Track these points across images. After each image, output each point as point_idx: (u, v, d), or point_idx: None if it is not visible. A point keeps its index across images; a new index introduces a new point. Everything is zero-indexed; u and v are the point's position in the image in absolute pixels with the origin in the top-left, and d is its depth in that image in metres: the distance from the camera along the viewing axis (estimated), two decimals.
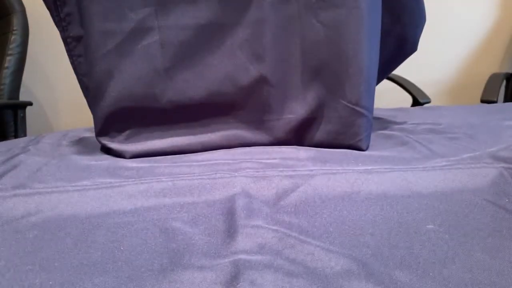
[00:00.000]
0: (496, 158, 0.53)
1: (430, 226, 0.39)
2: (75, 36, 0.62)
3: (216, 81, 0.62)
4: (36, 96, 1.62)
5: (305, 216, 0.42)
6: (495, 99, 1.34)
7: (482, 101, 1.35)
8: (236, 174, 0.50)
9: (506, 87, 1.60)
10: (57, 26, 0.62)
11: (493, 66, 1.71)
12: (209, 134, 0.64)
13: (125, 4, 0.58)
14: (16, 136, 1.33)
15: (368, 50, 0.59)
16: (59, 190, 0.47)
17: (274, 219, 0.41)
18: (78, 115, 1.62)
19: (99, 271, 0.34)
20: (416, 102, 1.30)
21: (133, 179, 0.49)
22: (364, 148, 0.61)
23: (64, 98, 1.64)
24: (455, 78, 1.72)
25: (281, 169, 0.51)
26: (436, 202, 0.44)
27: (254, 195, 0.45)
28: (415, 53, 0.78)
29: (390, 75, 1.30)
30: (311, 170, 0.50)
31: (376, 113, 0.87)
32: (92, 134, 0.72)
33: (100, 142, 0.64)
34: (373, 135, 0.66)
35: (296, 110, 0.64)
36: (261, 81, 0.62)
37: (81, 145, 0.69)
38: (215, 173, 0.50)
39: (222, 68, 0.61)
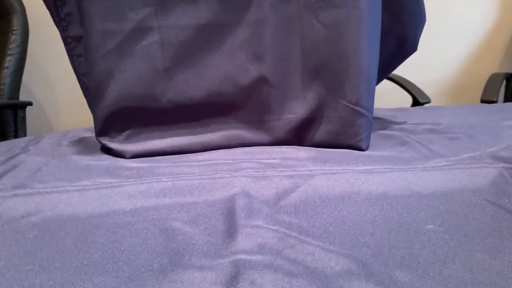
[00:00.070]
0: (496, 158, 0.53)
1: (430, 226, 0.39)
2: (75, 36, 0.62)
3: (216, 81, 0.62)
4: (36, 96, 1.62)
5: (305, 216, 0.42)
6: (495, 99, 1.34)
7: (482, 101, 1.35)
8: (236, 174, 0.50)
9: (506, 87, 1.60)
10: (57, 26, 0.62)
11: (493, 66, 1.71)
12: (209, 134, 0.64)
13: (125, 4, 0.58)
14: (16, 136, 1.33)
15: (368, 50, 0.59)
16: (59, 190, 0.47)
17: (274, 219, 0.41)
18: (78, 115, 1.62)
19: (99, 271, 0.34)
20: (416, 102, 1.30)
21: (133, 179, 0.49)
22: (364, 148, 0.61)
23: (64, 98, 1.64)
24: (455, 78, 1.72)
25: (281, 169, 0.51)
26: (436, 202, 0.44)
27: (254, 195, 0.45)
28: (415, 53, 0.78)
29: (390, 75, 1.30)
30: (311, 170, 0.50)
31: (376, 113, 0.87)
32: (92, 134, 0.72)
33: (100, 142, 0.64)
34: (373, 135, 0.66)
35: (296, 110, 0.64)
36: (261, 81, 0.62)
37: (81, 145, 0.69)
38: (215, 173, 0.50)
39: (222, 68, 0.61)
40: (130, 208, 0.44)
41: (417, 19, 0.74)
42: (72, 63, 0.64)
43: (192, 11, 0.59)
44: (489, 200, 0.44)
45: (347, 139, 0.62)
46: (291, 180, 0.48)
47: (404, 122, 0.81)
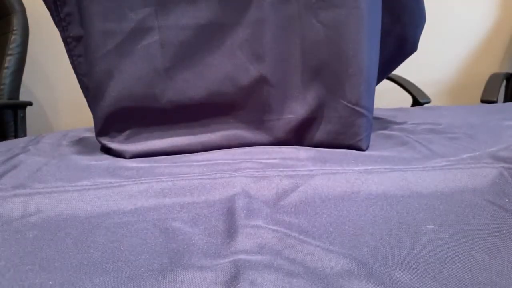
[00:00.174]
0: (496, 158, 0.53)
1: (430, 226, 0.39)
2: (75, 36, 0.62)
3: (216, 81, 0.62)
4: (36, 96, 1.62)
5: (305, 216, 0.42)
6: (495, 99, 1.34)
7: (482, 101, 1.35)
8: (236, 174, 0.50)
9: (506, 87, 1.60)
10: (57, 26, 0.62)
11: (493, 66, 1.71)
12: (209, 134, 0.64)
13: (125, 4, 0.58)
14: (16, 136, 1.33)
15: (368, 50, 0.59)
16: (59, 190, 0.47)
17: (274, 219, 0.41)
18: (78, 115, 1.62)
19: (99, 271, 0.34)
20: (416, 102, 1.30)
21: (133, 179, 0.49)
22: (364, 148, 0.61)
23: (64, 98, 1.64)
24: (455, 78, 1.72)
25: (281, 169, 0.51)
26: (436, 202, 0.44)
27: (254, 195, 0.45)
28: (415, 53, 0.78)
29: (390, 75, 1.30)
30: (311, 170, 0.50)
31: (376, 113, 0.87)
32: (92, 134, 0.72)
33: (100, 142, 0.64)
34: (373, 135, 0.66)
35: (296, 110, 0.64)
36: (261, 81, 0.62)
37: (81, 145, 0.69)
38: (215, 173, 0.50)
39: (222, 68, 0.61)
40: (130, 208, 0.44)
41: (417, 19, 0.74)
42: (72, 63, 0.64)
43: (192, 11, 0.59)
44: (489, 200, 0.44)
45: (347, 139, 0.62)
46: (291, 180, 0.48)
47: (404, 122, 0.81)
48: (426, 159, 0.55)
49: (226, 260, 0.34)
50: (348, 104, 0.60)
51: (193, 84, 0.61)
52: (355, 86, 0.59)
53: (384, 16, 0.65)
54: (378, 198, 0.45)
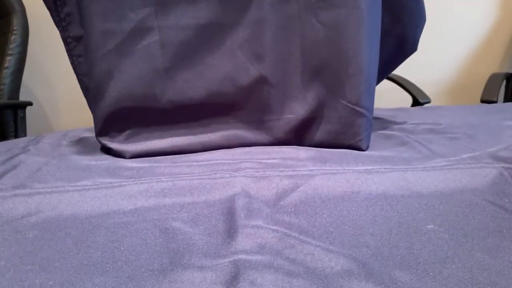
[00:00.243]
0: (496, 158, 0.53)
1: (430, 226, 0.39)
2: (75, 36, 0.62)
3: (216, 81, 0.62)
4: (36, 96, 1.62)
5: (305, 216, 0.42)
6: (495, 99, 1.34)
7: (482, 101, 1.35)
8: (236, 174, 0.50)
9: (506, 87, 1.60)
10: (57, 26, 0.62)
11: (493, 66, 1.71)
12: (209, 134, 0.64)
13: (125, 4, 0.58)
14: (16, 136, 1.33)
15: (368, 50, 0.59)
16: (59, 190, 0.47)
17: (274, 219, 0.41)
18: (78, 115, 1.62)
19: (99, 271, 0.34)
20: (416, 102, 1.30)
21: (133, 179, 0.49)
22: (364, 148, 0.61)
23: (64, 98, 1.64)
24: (455, 78, 1.72)
25: (281, 169, 0.51)
26: (436, 202, 0.44)
27: (254, 195, 0.45)
28: (415, 53, 0.78)
29: (390, 75, 1.30)
30: (311, 170, 0.50)
31: (376, 113, 0.87)
32: (92, 134, 0.72)
33: (100, 142, 0.64)
34: (373, 135, 0.66)
35: (296, 110, 0.64)
36: (261, 81, 0.62)
37: (81, 145, 0.69)
38: (215, 173, 0.50)
39: (222, 68, 0.61)
40: (130, 208, 0.44)
41: (417, 19, 0.74)
42: (72, 63, 0.64)
43: (192, 11, 0.59)
44: (489, 200, 0.44)
45: (347, 139, 0.62)
46: (291, 180, 0.48)
47: (404, 122, 0.81)
48: (426, 159, 0.55)
49: (226, 260, 0.34)
50: (348, 104, 0.60)
51: (193, 84, 0.61)
52: (355, 86, 0.59)
53: (384, 16, 0.65)
54: (378, 198, 0.45)
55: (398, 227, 0.39)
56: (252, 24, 0.60)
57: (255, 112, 0.64)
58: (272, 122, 0.65)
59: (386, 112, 0.93)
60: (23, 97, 1.43)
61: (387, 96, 1.44)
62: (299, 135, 0.65)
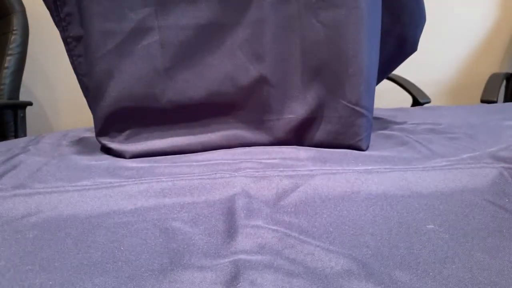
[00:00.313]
0: (496, 158, 0.53)
1: (430, 226, 0.39)
2: (75, 36, 0.62)
3: (216, 81, 0.62)
4: (36, 96, 1.62)
5: (305, 216, 0.42)
6: (495, 99, 1.34)
7: (482, 101, 1.35)
8: (236, 174, 0.50)
9: (506, 87, 1.60)
10: (57, 26, 0.62)
11: (493, 66, 1.71)
12: (209, 134, 0.64)
13: (125, 4, 0.58)
14: (16, 136, 1.33)
15: (368, 50, 0.59)
16: (59, 190, 0.47)
17: (274, 219, 0.41)
18: (78, 115, 1.62)
19: (99, 271, 0.34)
20: (416, 102, 1.30)
21: (133, 179, 0.49)
22: (364, 148, 0.61)
23: (64, 98, 1.64)
24: (455, 78, 1.72)
25: (281, 169, 0.51)
26: (436, 202, 0.44)
27: (254, 195, 0.45)
28: (415, 53, 0.78)
29: (390, 75, 1.30)
30: (311, 170, 0.50)
31: (376, 113, 0.87)
32: (92, 134, 0.72)
33: (100, 142, 0.64)
34: (373, 135, 0.66)
35: (296, 110, 0.64)
36: (261, 81, 0.62)
37: (81, 145, 0.69)
38: (215, 173, 0.50)
39: (222, 68, 0.61)
40: (130, 208, 0.44)
41: (417, 19, 0.74)
42: (72, 63, 0.64)
43: (192, 11, 0.59)
44: (489, 200, 0.44)
45: (347, 139, 0.62)
46: (291, 180, 0.48)
47: (404, 122, 0.81)
48: (426, 159, 0.55)
49: (226, 260, 0.34)
50: (348, 104, 0.60)
51: (193, 84, 0.61)
52: (355, 86, 0.59)
53: (384, 16, 0.65)
54: (378, 198, 0.45)
55: (398, 227, 0.39)
56: (252, 24, 0.60)
57: (255, 112, 0.64)
58: (272, 122, 0.65)
59: (386, 112, 0.93)
60: (23, 97, 1.43)
61: (387, 96, 1.44)
62: (299, 135, 0.65)
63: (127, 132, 0.63)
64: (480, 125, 0.75)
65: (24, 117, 1.36)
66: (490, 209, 0.42)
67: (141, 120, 0.63)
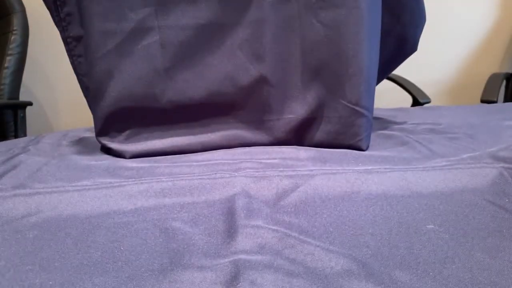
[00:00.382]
0: (496, 158, 0.53)
1: (430, 226, 0.39)
2: (75, 36, 0.62)
3: (216, 81, 0.62)
4: (36, 96, 1.62)
5: (305, 216, 0.42)
6: (495, 99, 1.34)
7: (482, 101, 1.35)
8: (236, 174, 0.50)
9: (506, 87, 1.60)
10: (57, 26, 0.62)
11: (493, 66, 1.71)
12: (209, 134, 0.64)
13: (125, 4, 0.58)
14: (16, 136, 1.33)
15: (368, 50, 0.59)
16: (59, 190, 0.47)
17: (274, 219, 0.41)
18: (78, 115, 1.62)
19: (99, 271, 0.34)
20: (416, 102, 1.30)
21: (133, 179, 0.49)
22: (364, 148, 0.61)
23: (64, 98, 1.64)
24: (455, 78, 1.72)
25: (281, 169, 0.51)
26: (436, 202, 0.44)
27: (254, 195, 0.45)
28: (415, 53, 0.78)
29: (390, 75, 1.30)
30: (311, 170, 0.50)
31: (376, 113, 0.87)
32: (92, 134, 0.72)
33: (100, 142, 0.64)
34: (373, 135, 0.66)
35: (296, 110, 0.64)
36: (261, 81, 0.62)
37: (81, 145, 0.69)
38: (215, 173, 0.50)
39: (222, 68, 0.61)
40: (130, 208, 0.44)
41: (417, 19, 0.74)
42: (72, 63, 0.64)
43: (192, 11, 0.59)
44: (489, 200, 0.44)
45: (347, 139, 0.62)
46: (291, 180, 0.48)
47: (404, 122, 0.81)
48: (426, 159, 0.55)
49: (226, 260, 0.34)
50: (348, 104, 0.60)
51: (193, 84, 0.61)
52: (355, 86, 0.59)
53: (384, 16, 0.65)
54: (378, 198, 0.45)
55: (398, 227, 0.39)
56: (252, 24, 0.60)
57: (255, 112, 0.64)
58: (272, 122, 0.65)
59: (386, 112, 0.93)
60: (23, 97, 1.43)
61: (387, 96, 1.44)
62: (299, 135, 0.65)
63: (127, 132, 0.63)
64: (480, 125, 0.75)
65: (24, 117, 1.36)
66: (490, 209, 0.42)
67: (141, 120, 0.63)
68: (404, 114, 0.91)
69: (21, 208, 0.43)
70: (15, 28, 1.30)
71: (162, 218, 0.42)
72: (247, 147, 0.64)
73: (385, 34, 0.67)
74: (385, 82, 1.12)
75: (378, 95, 0.71)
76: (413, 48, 0.77)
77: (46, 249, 0.37)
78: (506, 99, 1.61)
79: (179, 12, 0.59)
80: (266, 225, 0.39)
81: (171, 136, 0.64)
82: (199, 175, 0.50)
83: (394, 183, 0.47)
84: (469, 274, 0.32)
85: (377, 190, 0.46)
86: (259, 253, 0.35)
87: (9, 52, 1.30)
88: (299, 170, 0.51)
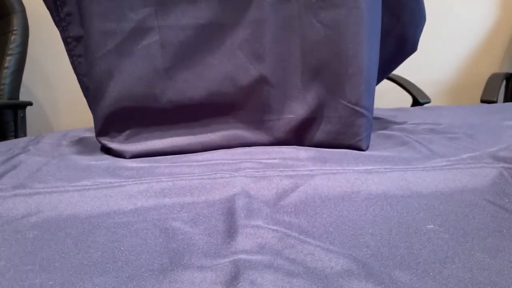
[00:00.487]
0: (496, 158, 0.53)
1: (430, 226, 0.39)
2: (75, 36, 0.62)
3: (216, 81, 0.62)
4: (36, 96, 1.62)
5: (305, 216, 0.42)
6: (495, 99, 1.34)
7: (482, 101, 1.35)
8: (236, 174, 0.50)
9: (506, 87, 1.60)
10: (57, 26, 0.62)
11: (493, 66, 1.71)
12: (209, 134, 0.64)
13: (125, 4, 0.58)
14: (16, 136, 1.33)
15: (368, 50, 0.59)
16: (59, 190, 0.47)
17: (274, 219, 0.41)
18: (78, 115, 1.62)
19: (99, 271, 0.34)
20: (416, 102, 1.30)
21: (133, 179, 0.49)
22: (364, 148, 0.61)
23: (64, 98, 1.64)
24: (455, 78, 1.72)
25: (281, 169, 0.51)
26: (436, 202, 0.44)
27: (254, 195, 0.45)
28: (415, 53, 0.78)
29: (390, 75, 1.30)
30: (311, 170, 0.50)
31: (376, 113, 0.87)
32: (92, 134, 0.72)
33: (100, 142, 0.64)
34: (373, 135, 0.66)
35: (296, 110, 0.64)
36: (261, 81, 0.62)
37: (81, 145, 0.69)
38: (215, 173, 0.50)
39: (222, 68, 0.61)
40: (130, 208, 0.44)
41: (417, 19, 0.74)
42: (72, 63, 0.64)
43: (192, 11, 0.59)
44: (489, 200, 0.44)
45: (347, 139, 0.62)
46: (291, 180, 0.48)
47: (404, 122, 0.81)
48: (426, 159, 0.55)
49: (226, 260, 0.34)
50: (348, 104, 0.60)
51: (193, 84, 0.61)
52: (355, 86, 0.59)
53: (384, 16, 0.65)
54: (378, 198, 0.45)
55: (398, 227, 0.39)
56: (252, 24, 0.60)
57: (255, 112, 0.64)
58: (272, 122, 0.65)
59: (386, 112, 0.93)
60: (23, 97, 1.43)
61: (387, 96, 1.44)
62: (299, 135, 0.65)
63: (127, 132, 0.63)
64: (480, 125, 0.75)
65: (24, 117, 1.36)
66: (490, 209, 0.42)
67: (141, 120, 0.63)
68: (404, 114, 0.91)
69: (21, 208, 0.43)
70: (15, 28, 1.30)
71: (162, 218, 0.42)
72: (247, 147, 0.64)
73: (385, 34, 0.67)
74: (385, 82, 1.12)
75: (378, 95, 0.71)
76: (413, 48, 0.77)
77: (46, 249, 0.37)
78: (506, 99, 1.61)
79: (179, 12, 0.59)
80: (266, 225, 0.39)
81: (171, 136, 0.64)
82: (199, 175, 0.50)
83: (394, 183, 0.47)
84: (469, 274, 0.32)
85: (377, 190, 0.46)
86: (259, 253, 0.35)
87: (9, 52, 1.30)
88: (299, 170, 0.51)
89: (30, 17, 1.35)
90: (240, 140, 0.65)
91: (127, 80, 0.60)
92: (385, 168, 0.51)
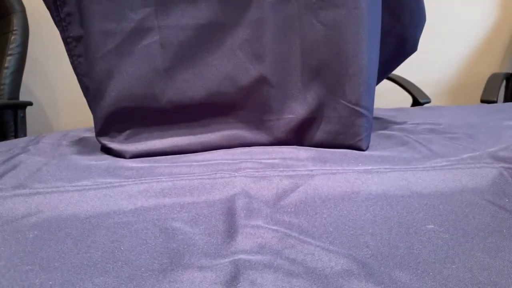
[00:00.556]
0: (496, 158, 0.53)
1: (430, 226, 0.39)
2: (75, 36, 0.62)
3: (216, 81, 0.62)
4: (36, 96, 1.62)
5: (305, 216, 0.42)
6: (495, 99, 1.34)
7: (482, 101, 1.35)
8: (236, 174, 0.50)
9: (506, 87, 1.60)
10: (57, 26, 0.62)
11: (493, 66, 1.71)
12: (209, 134, 0.64)
13: (125, 4, 0.58)
14: (16, 136, 1.33)
15: (368, 50, 0.59)
16: (59, 190, 0.47)
17: (274, 219, 0.41)
18: (78, 115, 1.62)
19: (99, 271, 0.34)
20: (416, 102, 1.30)
21: (133, 179, 0.49)
22: (364, 148, 0.61)
23: (64, 98, 1.64)
24: (455, 78, 1.72)
25: (281, 169, 0.51)
26: (436, 202, 0.44)
27: (254, 195, 0.45)
28: (415, 53, 0.78)
29: (390, 75, 1.30)
30: (311, 170, 0.50)
31: (376, 113, 0.87)
32: (92, 134, 0.72)
33: (100, 142, 0.64)
34: (373, 135, 0.66)
35: (296, 110, 0.64)
36: (261, 81, 0.62)
37: (81, 145, 0.69)
38: (215, 173, 0.50)
39: (222, 68, 0.61)
40: (130, 208, 0.44)
41: (417, 19, 0.74)
42: (72, 63, 0.64)
43: (192, 11, 0.59)
44: (489, 200, 0.44)
45: (347, 139, 0.62)
46: (291, 180, 0.48)
47: (404, 122, 0.81)
48: (426, 159, 0.55)
49: (226, 260, 0.34)
50: (348, 104, 0.60)
51: (193, 84, 0.61)
52: (355, 86, 0.59)
53: (384, 16, 0.65)
54: (378, 198, 0.45)
55: (398, 227, 0.39)
56: (252, 24, 0.60)
57: (255, 112, 0.64)
58: (272, 122, 0.65)
59: (386, 112, 0.93)
60: (23, 97, 1.43)
61: (387, 96, 1.44)
62: (299, 135, 0.65)
63: (127, 132, 0.63)
64: (480, 125, 0.75)
65: (24, 117, 1.36)
66: (490, 209, 0.42)
67: (141, 120, 0.63)
68: (404, 114, 0.91)
69: (21, 208, 0.43)
70: (15, 28, 1.30)
71: (162, 218, 0.42)
72: (247, 147, 0.64)
73: (385, 34, 0.67)
74: (385, 82, 1.12)
75: (378, 95, 0.71)
76: (413, 48, 0.77)
77: (46, 249, 0.37)
78: (506, 99, 1.61)
79: (179, 12, 0.59)
80: (266, 225, 0.39)
81: (171, 136, 0.64)
82: (199, 175, 0.50)
83: (394, 183, 0.47)
84: (469, 274, 0.32)
85: (377, 190, 0.46)
86: (259, 253, 0.35)
87: (9, 52, 1.30)
88: (299, 170, 0.51)
89: (30, 17, 1.35)
90: (240, 140, 0.65)
91: (127, 80, 0.60)
92: (385, 168, 0.51)
